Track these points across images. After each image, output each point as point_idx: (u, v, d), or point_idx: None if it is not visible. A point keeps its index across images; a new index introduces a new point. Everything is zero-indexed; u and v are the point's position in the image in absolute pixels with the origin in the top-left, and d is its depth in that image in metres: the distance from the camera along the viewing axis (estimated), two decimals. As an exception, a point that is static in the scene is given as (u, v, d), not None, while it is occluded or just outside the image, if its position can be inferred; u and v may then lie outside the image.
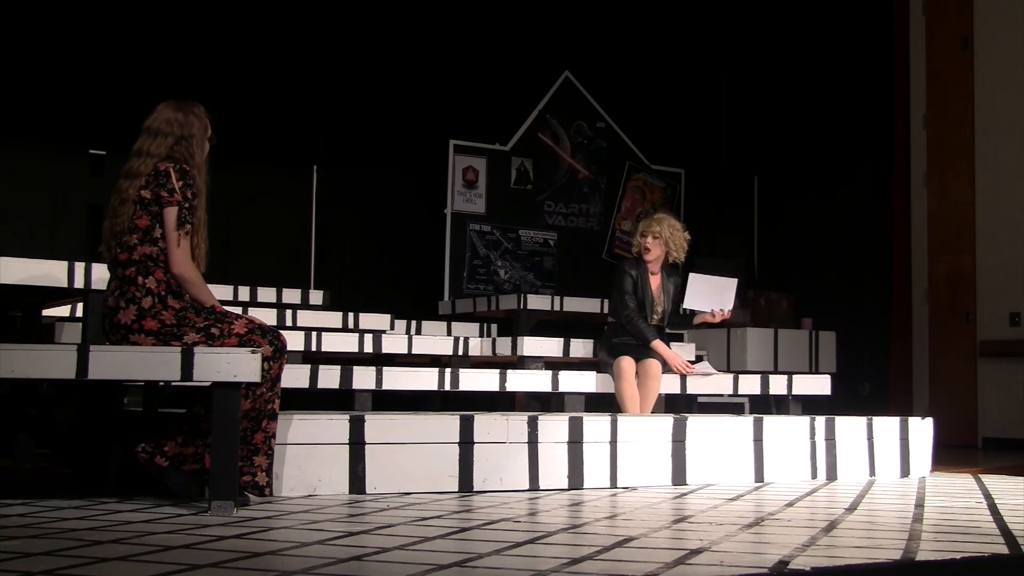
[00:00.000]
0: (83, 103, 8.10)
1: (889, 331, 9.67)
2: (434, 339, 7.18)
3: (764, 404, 7.32)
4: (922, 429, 5.75)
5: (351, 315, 7.47)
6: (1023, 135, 8.90)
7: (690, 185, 10.87)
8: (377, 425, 4.33)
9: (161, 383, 4.30)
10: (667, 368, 6.50)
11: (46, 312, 6.02)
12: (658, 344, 6.39)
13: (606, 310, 7.23)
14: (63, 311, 6.26)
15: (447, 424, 4.46)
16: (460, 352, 7.09)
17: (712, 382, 6.80)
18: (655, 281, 6.57)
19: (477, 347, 7.20)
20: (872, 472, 5.51)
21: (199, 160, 4.07)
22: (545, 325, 8.23)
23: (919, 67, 9.73)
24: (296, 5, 9.13)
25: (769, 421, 5.29)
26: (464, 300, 8.90)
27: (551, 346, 6.97)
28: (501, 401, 7.64)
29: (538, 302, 8.16)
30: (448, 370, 5.99)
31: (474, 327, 8.58)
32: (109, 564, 2.62)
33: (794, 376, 6.89)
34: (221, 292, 6.55)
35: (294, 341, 6.36)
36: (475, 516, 3.66)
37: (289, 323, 7.13)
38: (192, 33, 8.56)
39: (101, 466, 4.39)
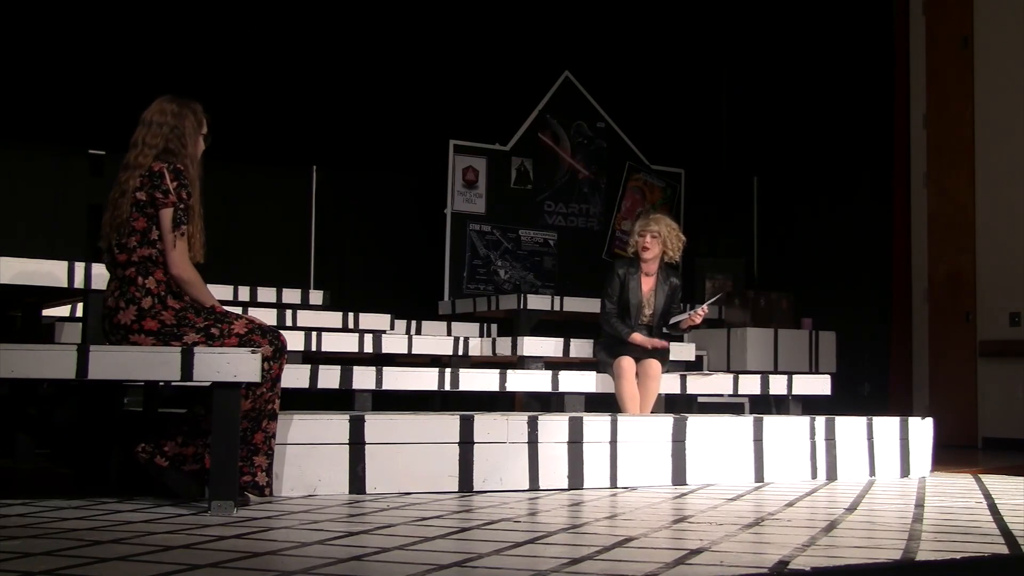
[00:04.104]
0: (83, 103, 8.10)
1: (889, 331, 9.67)
2: (434, 339, 7.18)
3: (764, 404, 7.33)
4: (922, 429, 5.75)
5: (351, 315, 7.47)
6: (1023, 135, 8.90)
7: (690, 185, 10.87)
8: (377, 425, 4.33)
9: (161, 383, 4.30)
10: (667, 368, 6.50)
11: (46, 312, 6.02)
12: (636, 337, 6.39)
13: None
14: (63, 311, 6.26)
15: (447, 424, 4.46)
16: (460, 352, 7.09)
17: (712, 382, 6.80)
18: (648, 282, 6.53)
19: (477, 347, 7.20)
20: (872, 472, 5.51)
21: (192, 151, 4.06)
22: (545, 325, 8.24)
23: (919, 67, 9.73)
24: (296, 5, 9.13)
25: (769, 421, 5.29)
26: (464, 300, 8.91)
27: (551, 346, 6.97)
28: (501, 401, 7.64)
29: (538, 302, 8.17)
30: (448, 370, 5.99)
31: (474, 327, 8.58)
32: (109, 564, 2.62)
33: (794, 376, 6.89)
34: (221, 292, 6.55)
35: (294, 341, 6.36)
36: (475, 516, 3.66)
37: (289, 323, 7.13)
38: (192, 33, 8.57)
39: (101, 466, 4.39)
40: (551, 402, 6.50)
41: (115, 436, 4.35)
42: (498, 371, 6.13)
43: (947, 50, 9.51)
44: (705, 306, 6.58)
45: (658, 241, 6.48)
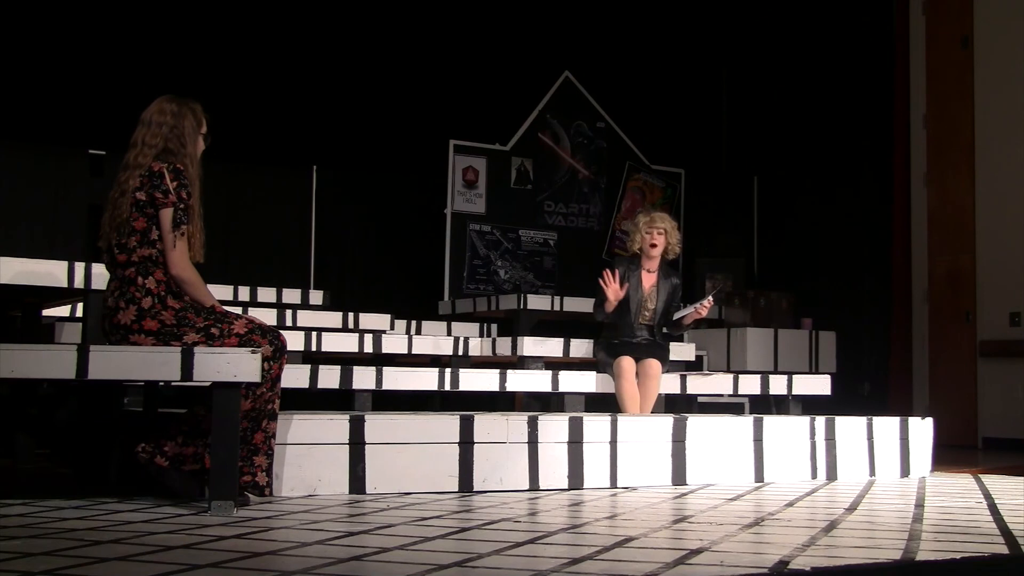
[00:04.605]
0: (83, 103, 8.10)
1: (889, 331, 9.67)
2: (434, 339, 7.18)
3: (764, 404, 7.32)
4: (922, 429, 5.75)
5: (351, 315, 7.47)
6: (1023, 135, 8.90)
7: (690, 185, 10.87)
8: (377, 425, 4.33)
9: (161, 383, 4.30)
10: (667, 368, 6.50)
11: (46, 312, 6.02)
12: (608, 303, 6.40)
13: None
14: (63, 311, 6.26)
15: (447, 424, 4.46)
16: (460, 352, 7.09)
17: (712, 382, 6.80)
18: (649, 279, 6.54)
19: (477, 347, 7.20)
20: (872, 472, 5.51)
21: (191, 150, 4.06)
22: (545, 325, 8.24)
23: (919, 67, 9.73)
24: (296, 5, 9.13)
25: (769, 421, 5.29)
26: (464, 300, 8.90)
27: (551, 346, 6.96)
28: (501, 401, 7.64)
29: (538, 302, 8.17)
30: (448, 370, 5.99)
31: (474, 327, 8.58)
32: (109, 564, 2.62)
33: (794, 376, 6.89)
34: (221, 292, 6.55)
35: (294, 341, 6.36)
36: (475, 516, 3.66)
37: (289, 323, 7.13)
38: (192, 33, 8.57)
39: (101, 466, 4.39)
40: (551, 402, 6.50)
41: (115, 436, 4.35)
42: (498, 371, 6.13)
43: (947, 50, 9.51)
44: (710, 298, 6.59)
45: (664, 238, 6.49)
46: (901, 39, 9.85)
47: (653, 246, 6.47)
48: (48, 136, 8.08)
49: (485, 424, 4.52)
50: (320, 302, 7.97)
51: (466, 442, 4.46)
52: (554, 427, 4.68)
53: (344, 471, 4.26)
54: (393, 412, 4.96)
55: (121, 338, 3.90)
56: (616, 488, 4.75)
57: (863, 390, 9.74)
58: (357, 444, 4.28)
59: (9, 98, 7.90)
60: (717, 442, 5.09)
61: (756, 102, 11.09)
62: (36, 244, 7.60)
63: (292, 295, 7.82)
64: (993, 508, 4.12)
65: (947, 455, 7.07)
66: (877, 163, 9.97)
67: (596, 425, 4.79)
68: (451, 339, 7.15)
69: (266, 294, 7.64)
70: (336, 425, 4.27)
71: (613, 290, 6.38)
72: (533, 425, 4.62)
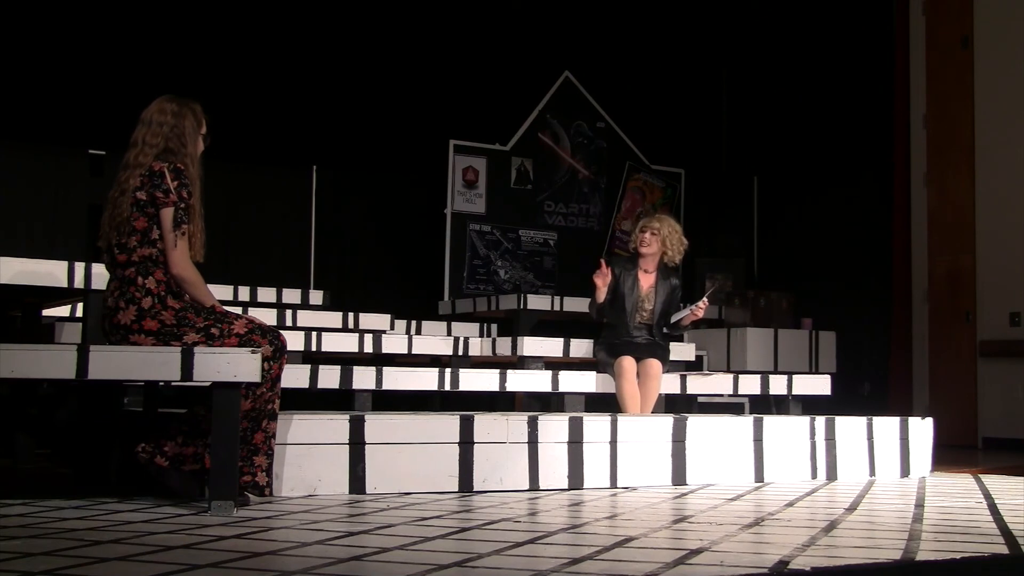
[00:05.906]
0: (83, 103, 8.10)
1: (889, 331, 9.67)
2: (434, 339, 7.18)
3: (764, 404, 7.33)
4: (922, 429, 5.75)
5: (351, 315, 7.47)
6: (1023, 135, 8.90)
7: (690, 185, 10.87)
8: (377, 425, 4.33)
9: (161, 383, 4.30)
10: (667, 368, 6.51)
11: (46, 312, 6.02)
12: (599, 291, 6.46)
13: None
14: (63, 311, 6.26)
15: (447, 424, 4.46)
16: (460, 352, 7.10)
17: (712, 382, 6.80)
18: (647, 280, 6.56)
19: (477, 347, 7.20)
20: (872, 472, 5.51)
21: (192, 150, 4.06)
22: (545, 325, 8.24)
23: (919, 67, 9.73)
24: (296, 5, 9.13)
25: (769, 421, 5.29)
26: (464, 300, 8.91)
27: (551, 346, 6.97)
28: (501, 401, 7.65)
29: (538, 302, 8.17)
30: (448, 370, 5.99)
31: (474, 327, 8.58)
32: (109, 564, 2.62)
33: (794, 376, 6.89)
34: (221, 292, 6.55)
35: (294, 341, 6.36)
36: (475, 516, 3.66)
37: (289, 323, 7.13)
38: (192, 33, 8.57)
39: (101, 466, 4.39)
40: (551, 402, 6.50)
41: (115, 436, 4.35)
42: (498, 371, 6.13)
43: (947, 50, 9.51)
44: (705, 299, 6.60)
45: (657, 239, 6.50)
46: (901, 39, 9.85)
47: (643, 244, 6.52)
48: (48, 136, 8.08)
49: (485, 424, 4.52)
50: (320, 302, 7.97)
51: (466, 442, 4.46)
52: (554, 427, 4.68)
53: (344, 471, 4.26)
54: (393, 412, 4.96)
55: (121, 338, 3.90)
56: (616, 488, 4.75)
57: (863, 390, 9.74)
58: (357, 444, 4.28)
59: (9, 98, 7.90)
60: (717, 442, 5.09)
61: (756, 102, 11.09)
62: (36, 244, 7.60)
63: (292, 295, 7.83)
64: (993, 508, 4.12)
65: (947, 455, 7.07)
66: (877, 163, 9.97)
67: (596, 425, 4.79)
68: (451, 339, 7.15)
69: (266, 294, 7.64)
70: (336, 425, 4.27)
71: (601, 275, 6.44)
72: (533, 425, 4.62)
